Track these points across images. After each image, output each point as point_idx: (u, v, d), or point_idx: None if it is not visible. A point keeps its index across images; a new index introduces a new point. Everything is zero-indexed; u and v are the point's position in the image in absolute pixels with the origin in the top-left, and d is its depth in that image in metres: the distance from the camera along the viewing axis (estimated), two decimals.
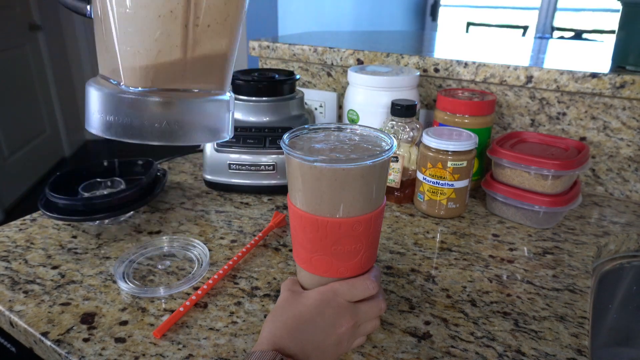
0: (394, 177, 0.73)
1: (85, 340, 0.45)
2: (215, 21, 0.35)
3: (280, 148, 0.45)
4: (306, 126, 0.45)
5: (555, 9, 3.57)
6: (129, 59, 0.34)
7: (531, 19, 3.72)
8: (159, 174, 0.73)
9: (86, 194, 0.66)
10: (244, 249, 0.58)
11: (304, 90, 0.95)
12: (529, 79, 0.79)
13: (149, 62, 0.34)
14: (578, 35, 3.40)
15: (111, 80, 0.36)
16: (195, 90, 0.36)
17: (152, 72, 0.34)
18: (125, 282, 0.53)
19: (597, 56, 0.96)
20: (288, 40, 1.06)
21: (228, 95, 0.38)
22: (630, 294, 0.69)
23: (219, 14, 0.35)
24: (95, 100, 0.35)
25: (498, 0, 4.11)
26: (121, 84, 0.35)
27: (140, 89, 0.35)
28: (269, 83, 0.76)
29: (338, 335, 0.40)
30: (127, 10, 0.33)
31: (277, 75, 0.79)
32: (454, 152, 0.65)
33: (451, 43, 1.20)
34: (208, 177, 0.76)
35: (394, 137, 0.69)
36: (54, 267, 0.56)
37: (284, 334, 0.38)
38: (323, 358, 0.39)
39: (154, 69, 0.34)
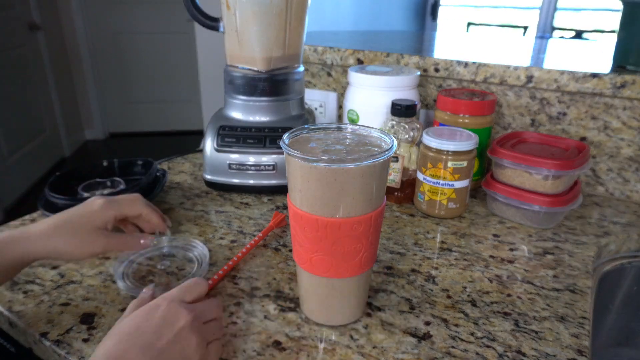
0: (394, 177, 0.72)
1: (85, 340, 0.45)
2: (296, 24, 0.72)
3: (280, 148, 0.45)
4: (306, 126, 0.45)
5: (555, 9, 3.57)
6: (260, 55, 0.73)
7: (531, 19, 3.72)
8: (158, 174, 0.73)
9: (86, 194, 0.66)
10: (243, 249, 0.58)
11: (304, 90, 0.95)
12: (530, 78, 0.79)
13: (270, 55, 0.73)
14: (578, 35, 3.39)
15: (240, 67, 0.75)
16: (290, 68, 0.77)
17: (272, 61, 0.72)
18: (125, 282, 0.53)
19: (598, 56, 0.96)
20: None
21: (302, 67, 0.80)
22: (630, 294, 0.69)
23: (297, 20, 0.72)
24: (240, 78, 0.75)
25: (498, 0, 4.11)
26: (256, 69, 0.74)
27: (265, 70, 0.74)
28: (269, 83, 0.76)
29: (175, 332, 0.37)
30: (258, 28, 0.70)
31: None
32: (454, 152, 0.65)
33: (451, 43, 1.20)
34: (208, 177, 0.76)
35: (394, 137, 0.69)
36: (54, 267, 0.56)
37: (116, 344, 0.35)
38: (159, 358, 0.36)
39: (272, 59, 0.73)
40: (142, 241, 0.55)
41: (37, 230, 0.47)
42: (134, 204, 0.55)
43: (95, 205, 0.51)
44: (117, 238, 0.52)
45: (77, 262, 0.57)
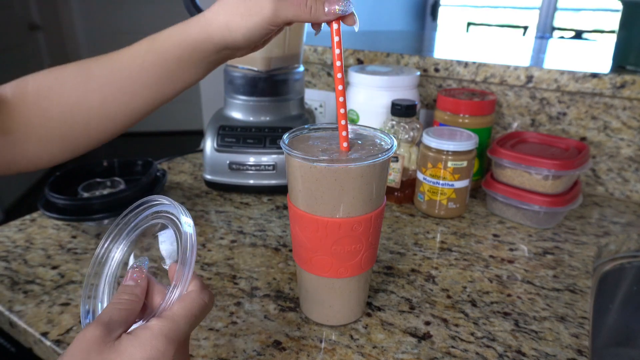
0: (394, 177, 0.72)
1: None
2: (295, 25, 0.70)
3: (280, 148, 0.45)
4: (306, 126, 0.45)
5: (555, 9, 3.57)
6: (260, 55, 0.72)
7: (531, 19, 3.72)
8: (158, 174, 0.73)
9: (86, 194, 0.66)
10: None
11: (304, 90, 0.95)
12: (529, 78, 0.79)
13: (270, 55, 0.72)
14: (578, 35, 3.39)
15: (240, 67, 0.75)
16: (289, 68, 0.76)
17: (272, 61, 0.68)
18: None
19: (598, 56, 0.96)
20: None
21: (302, 67, 0.79)
22: (630, 294, 0.69)
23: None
24: (240, 78, 0.76)
25: (498, 0, 4.11)
26: (256, 69, 0.74)
27: (265, 70, 0.74)
28: (269, 83, 0.76)
29: None
30: None
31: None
32: (454, 152, 0.65)
33: (451, 43, 1.20)
34: (208, 177, 0.76)
35: (394, 137, 0.69)
36: (54, 267, 0.56)
37: None
38: None
39: (272, 59, 0.73)
40: (328, 6, 0.39)
41: (210, 9, 0.41)
42: None
43: None
44: (291, 3, 0.39)
45: (76, 262, 0.57)
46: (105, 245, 0.36)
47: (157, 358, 0.27)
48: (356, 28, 0.41)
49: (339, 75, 0.40)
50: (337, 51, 0.39)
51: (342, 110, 0.41)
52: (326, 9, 0.39)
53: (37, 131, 0.42)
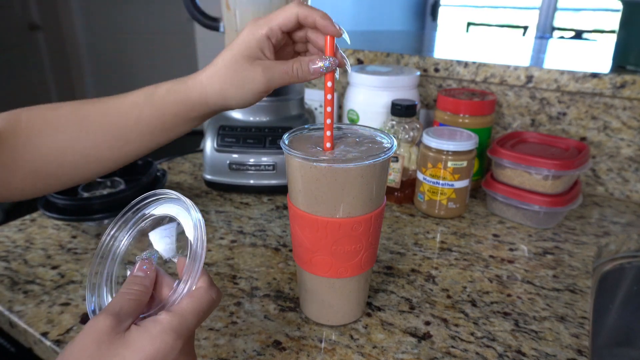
0: (394, 177, 0.72)
1: None
2: None
3: (280, 148, 0.45)
4: (306, 126, 0.45)
5: (555, 9, 3.57)
6: None
7: (531, 19, 3.72)
8: (158, 174, 0.73)
9: (86, 194, 0.66)
10: None
11: (304, 90, 0.95)
12: (529, 78, 0.79)
13: None
14: (578, 35, 3.40)
15: None
16: None
17: None
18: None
19: (598, 56, 0.96)
20: None
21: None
22: (630, 294, 0.69)
23: None
24: None
25: (498, 0, 4.11)
26: None
27: None
28: None
29: None
30: None
31: None
32: (454, 152, 0.65)
33: (451, 43, 1.20)
34: (208, 177, 0.76)
35: (394, 137, 0.69)
36: (54, 267, 0.56)
37: None
38: None
39: None
40: (312, 66, 0.41)
41: (204, 74, 0.43)
42: (283, 9, 0.42)
43: (242, 33, 0.42)
44: (279, 65, 0.42)
45: (76, 262, 0.57)
46: (111, 233, 0.37)
47: (166, 352, 0.27)
48: (349, 69, 0.45)
49: (329, 109, 0.41)
50: (328, 97, 0.41)
51: (328, 109, 0.41)
52: (311, 70, 0.41)
53: (25, 165, 0.43)
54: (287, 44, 0.45)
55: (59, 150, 0.44)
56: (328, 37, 0.41)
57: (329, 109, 0.41)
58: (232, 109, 0.45)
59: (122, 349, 0.26)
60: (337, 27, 0.41)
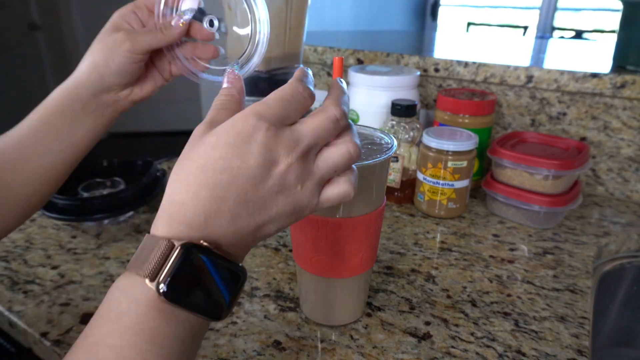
0: (394, 177, 0.72)
1: None
2: (296, 23, 0.66)
3: None
4: None
5: (555, 9, 3.57)
6: None
7: (531, 19, 3.72)
8: (158, 174, 0.73)
9: (86, 194, 0.66)
10: None
11: None
12: (530, 78, 0.79)
13: (270, 55, 0.64)
14: (578, 35, 3.39)
15: None
16: (289, 68, 0.67)
17: (272, 61, 0.55)
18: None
19: (598, 56, 0.96)
20: None
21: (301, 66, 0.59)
22: (630, 294, 0.69)
23: (297, 19, 0.65)
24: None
25: (498, 0, 4.11)
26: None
27: (265, 70, 0.68)
28: (269, 82, 0.76)
29: (277, 179, 0.27)
30: None
31: None
32: (454, 152, 0.65)
33: (451, 43, 1.20)
34: None
35: (394, 137, 0.69)
36: (54, 267, 0.56)
37: (186, 201, 0.26)
38: (262, 214, 0.27)
39: (272, 59, 0.64)
40: (173, 21, 0.42)
41: (80, 66, 0.43)
42: None
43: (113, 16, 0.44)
44: (143, 29, 0.43)
45: (76, 262, 0.57)
46: None
47: (249, 131, 0.26)
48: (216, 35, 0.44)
49: None
50: None
51: None
52: (173, 24, 0.42)
53: None
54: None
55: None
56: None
57: None
58: (113, 85, 0.43)
59: (208, 137, 0.27)
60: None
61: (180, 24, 0.42)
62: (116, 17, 0.43)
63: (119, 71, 0.42)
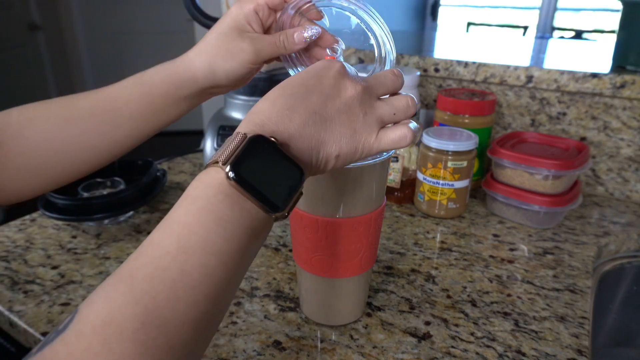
0: (394, 177, 0.72)
1: None
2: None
3: None
4: None
5: (555, 9, 3.57)
6: None
7: (531, 19, 3.72)
8: (158, 174, 0.73)
9: (86, 194, 0.66)
10: None
11: None
12: (529, 78, 0.79)
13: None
14: (578, 35, 3.39)
15: None
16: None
17: (272, 61, 0.46)
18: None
19: (598, 56, 0.96)
20: None
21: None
22: (630, 294, 0.69)
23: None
24: None
25: (498, 0, 4.11)
26: None
27: (265, 69, 0.72)
28: (269, 82, 0.76)
29: (344, 100, 0.32)
30: None
31: None
32: (454, 152, 0.65)
33: (451, 43, 1.20)
34: None
35: None
36: (54, 267, 0.56)
37: (263, 108, 0.30)
38: (327, 129, 0.31)
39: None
40: (297, 36, 0.42)
41: (193, 50, 0.44)
42: None
43: (231, 9, 0.43)
44: (267, 37, 0.43)
45: (76, 262, 0.57)
46: None
47: (326, 65, 0.33)
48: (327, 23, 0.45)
49: None
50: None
51: None
52: (296, 39, 0.42)
53: (15, 160, 0.42)
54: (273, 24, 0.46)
55: (47, 140, 0.43)
56: None
57: None
58: (222, 85, 0.44)
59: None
60: (318, 10, 0.43)
61: (304, 40, 0.42)
62: (239, 15, 0.43)
63: (235, 77, 0.44)
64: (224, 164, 0.27)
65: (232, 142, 0.28)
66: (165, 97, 0.44)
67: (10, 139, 0.42)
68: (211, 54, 0.43)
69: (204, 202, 0.26)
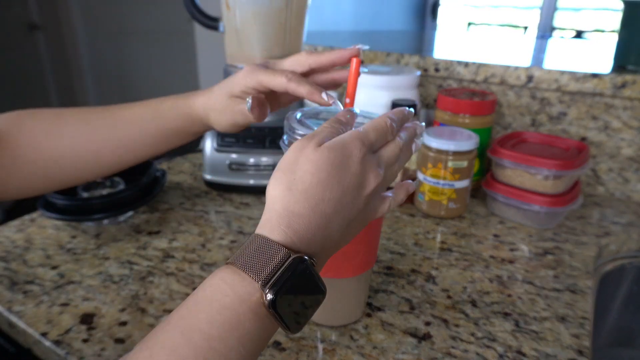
0: None
1: (85, 340, 0.45)
2: (296, 23, 0.70)
3: (280, 148, 0.45)
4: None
5: (555, 9, 3.57)
6: (260, 55, 0.70)
7: (531, 19, 3.72)
8: (158, 174, 0.73)
9: (85, 194, 0.66)
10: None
11: None
12: (530, 78, 0.79)
13: (268, 55, 0.70)
14: (578, 35, 3.39)
15: (240, 67, 0.70)
16: None
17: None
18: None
19: (598, 56, 0.96)
20: None
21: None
22: (631, 295, 0.69)
23: (297, 20, 0.69)
24: None
25: (498, 0, 4.11)
26: None
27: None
28: None
29: (365, 198, 0.31)
30: (257, 28, 0.68)
31: None
32: (455, 152, 0.65)
33: (452, 43, 1.20)
34: (208, 177, 0.76)
35: None
36: (53, 268, 0.56)
37: (304, 214, 0.28)
38: (350, 232, 0.32)
39: (270, 58, 0.65)
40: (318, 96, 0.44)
41: (202, 98, 0.48)
42: (276, 74, 0.44)
43: (238, 75, 0.46)
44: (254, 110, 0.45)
45: (76, 262, 0.57)
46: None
47: (343, 139, 0.31)
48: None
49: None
50: (347, 100, 0.42)
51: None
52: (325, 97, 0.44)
53: (25, 167, 0.45)
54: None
55: (62, 155, 0.46)
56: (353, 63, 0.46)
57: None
58: (228, 130, 0.50)
59: (326, 151, 0.30)
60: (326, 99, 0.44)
61: (324, 101, 0.44)
62: (243, 87, 0.46)
63: (237, 130, 0.49)
64: (264, 285, 0.26)
65: (274, 259, 0.27)
66: (177, 131, 0.49)
67: (22, 146, 0.44)
68: (219, 110, 0.47)
69: (230, 316, 0.26)
